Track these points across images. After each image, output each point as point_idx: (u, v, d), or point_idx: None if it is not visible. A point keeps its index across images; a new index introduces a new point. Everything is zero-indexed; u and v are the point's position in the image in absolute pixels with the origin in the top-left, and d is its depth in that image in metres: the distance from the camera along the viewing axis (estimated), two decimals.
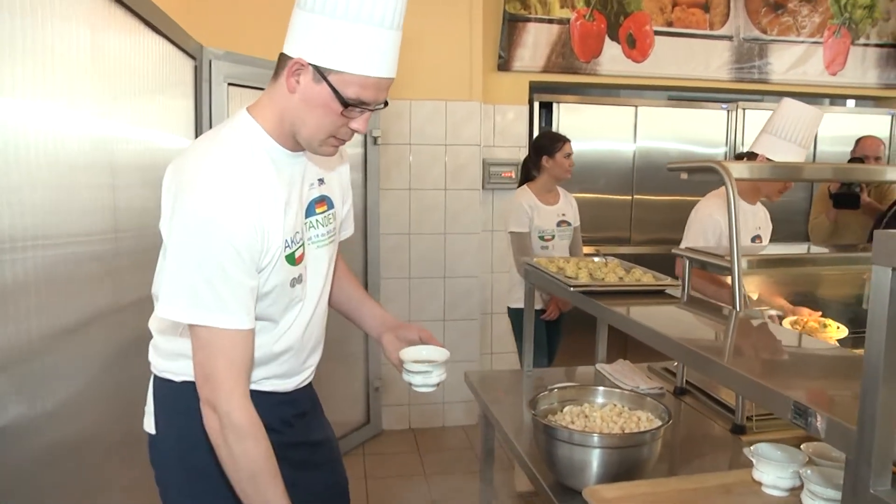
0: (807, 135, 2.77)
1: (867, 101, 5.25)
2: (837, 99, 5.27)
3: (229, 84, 3.15)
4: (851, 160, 4.32)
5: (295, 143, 1.41)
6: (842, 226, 4.24)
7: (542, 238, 3.82)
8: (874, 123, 5.11)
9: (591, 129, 4.83)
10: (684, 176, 2.47)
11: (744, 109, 4.96)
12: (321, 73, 1.30)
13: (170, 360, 1.49)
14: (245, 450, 1.31)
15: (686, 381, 2.43)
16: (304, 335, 1.54)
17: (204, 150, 1.37)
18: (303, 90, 1.32)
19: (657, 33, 4.72)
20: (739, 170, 2.20)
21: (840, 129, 5.05)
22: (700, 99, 5.00)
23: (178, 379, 1.48)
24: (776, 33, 4.85)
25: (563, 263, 2.37)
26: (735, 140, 4.97)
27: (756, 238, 2.96)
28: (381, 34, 1.30)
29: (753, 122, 4.93)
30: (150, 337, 1.54)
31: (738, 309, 2.06)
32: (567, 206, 3.93)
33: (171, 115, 2.64)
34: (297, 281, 1.45)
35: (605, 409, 1.82)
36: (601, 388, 1.89)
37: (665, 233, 4.91)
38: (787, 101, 2.82)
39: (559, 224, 3.87)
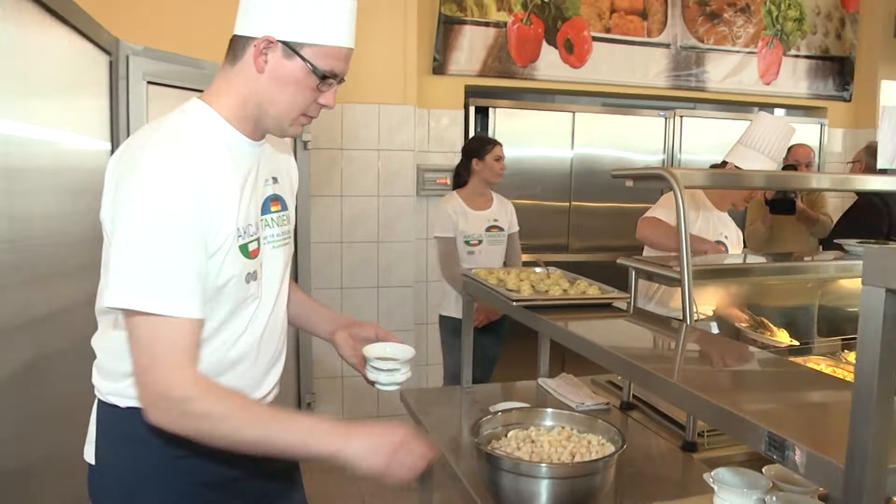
0: (778, 148, 2.83)
1: (798, 110, 5.31)
2: (770, 107, 5.32)
3: (149, 82, 2.91)
4: (785, 167, 4.34)
5: (254, 130, 1.37)
6: (777, 232, 4.25)
7: (468, 243, 3.71)
8: (805, 132, 5.17)
9: (528, 135, 4.73)
10: (629, 183, 2.37)
11: (681, 117, 4.95)
12: (292, 49, 1.28)
13: (116, 381, 1.35)
14: (225, 413, 1.20)
15: (633, 395, 2.32)
16: (261, 341, 1.43)
17: (149, 132, 1.29)
18: (273, 68, 1.29)
19: (595, 39, 4.66)
20: (688, 177, 2.11)
21: None
22: (638, 106, 4.97)
23: (123, 404, 1.34)
24: (713, 42, 4.86)
25: (504, 275, 2.24)
26: (672, 147, 4.96)
27: (719, 244, 2.93)
28: (345, 3, 1.32)
29: (691, 130, 4.94)
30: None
31: (688, 322, 1.97)
32: (501, 211, 3.84)
33: (82, 115, 2.41)
34: (252, 277, 1.36)
35: (552, 432, 1.69)
36: (548, 411, 1.75)
37: (604, 240, 4.86)
38: (762, 115, 2.92)
39: (489, 229, 3.77)
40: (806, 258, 2.70)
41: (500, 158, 3.74)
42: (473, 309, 2.52)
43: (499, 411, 1.74)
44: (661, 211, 2.93)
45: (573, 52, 4.62)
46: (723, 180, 2.43)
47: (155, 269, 1.19)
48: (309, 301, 1.76)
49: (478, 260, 3.69)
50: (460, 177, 3.83)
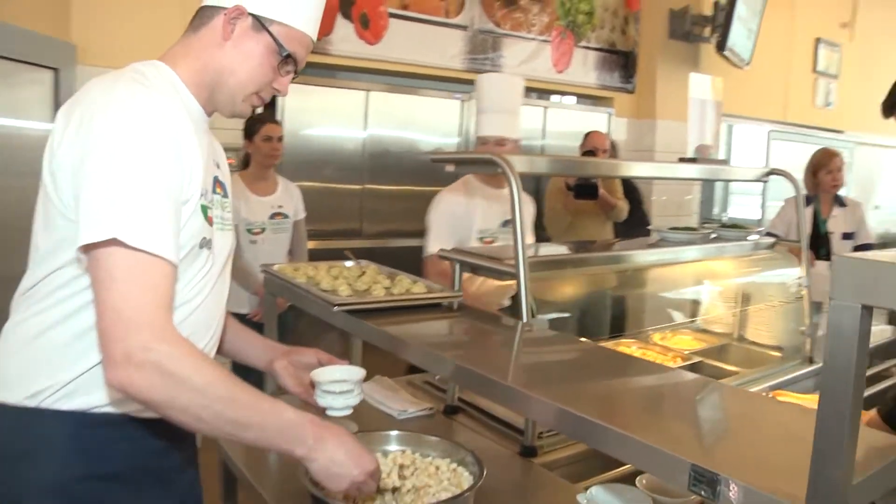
0: (511, 101, 2.80)
1: (588, 99, 5.49)
2: (564, 95, 5.44)
3: None
4: (584, 153, 4.44)
5: (207, 101, 1.33)
6: (578, 218, 4.32)
7: (250, 231, 3.42)
8: (595, 120, 5.37)
9: (319, 114, 4.41)
10: (450, 168, 2.18)
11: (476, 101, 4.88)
12: (262, 23, 1.28)
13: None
14: (206, 385, 1.08)
15: (458, 397, 2.14)
16: (206, 324, 1.34)
17: (111, 78, 1.20)
18: (239, 38, 1.29)
19: (392, 16, 4.45)
20: (521, 163, 1.95)
21: (565, 125, 5.22)
22: (434, 88, 4.83)
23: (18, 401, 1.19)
24: (509, 28, 4.84)
25: (313, 272, 1.95)
26: (468, 130, 4.88)
27: (506, 222, 2.85)
28: None
29: None
30: None
31: (524, 320, 1.81)
32: (286, 197, 3.57)
33: None
34: (206, 244, 1.27)
35: (389, 459, 1.45)
36: (381, 434, 1.51)
37: (399, 224, 4.68)
38: (483, 76, 2.89)
39: (273, 216, 3.49)
40: (616, 246, 2.69)
41: (269, 139, 3.46)
42: (276, 310, 2.20)
43: None
44: (434, 237, 2.83)
45: (369, 28, 4.36)
46: (558, 167, 2.31)
47: (138, 202, 1.09)
48: (242, 329, 1.65)
49: (260, 249, 3.41)
50: (247, 158, 3.54)
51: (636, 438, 0.94)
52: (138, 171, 1.10)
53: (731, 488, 0.85)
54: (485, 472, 1.33)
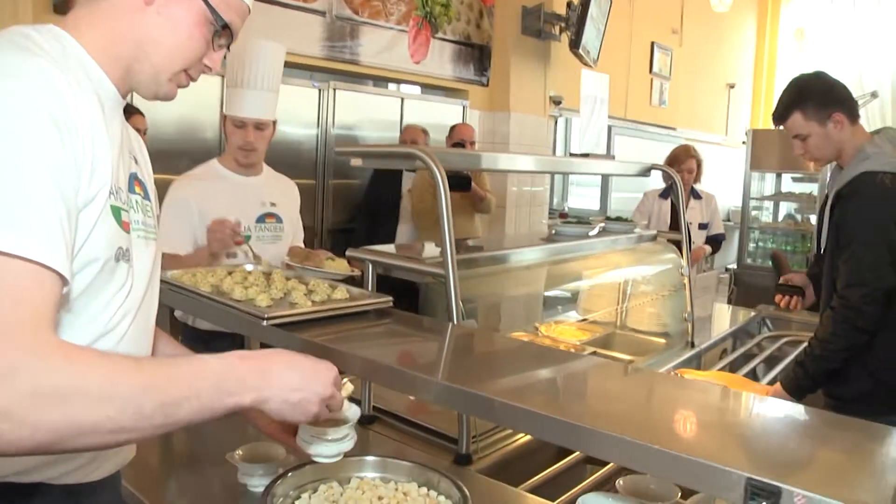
0: (275, 76, 2.49)
1: (443, 91, 5.46)
2: (419, 86, 5.37)
3: None
4: (454, 145, 4.40)
5: (122, 79, 1.09)
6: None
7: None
8: (450, 112, 5.35)
9: (171, 104, 4.04)
10: (357, 163, 2.04)
11: (335, 89, 4.70)
12: None
13: None
14: (107, 375, 0.85)
15: (373, 406, 2.01)
16: (129, 351, 1.08)
17: None
18: (165, 2, 1.07)
19: None
20: (448, 158, 1.85)
21: (421, 117, 5.16)
22: (291, 76, 4.58)
23: None
24: (367, 16, 4.69)
25: (213, 278, 1.74)
26: (327, 120, 4.68)
27: (269, 216, 2.57)
28: None
29: (345, 104, 4.72)
30: None
31: (454, 322, 1.72)
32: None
33: None
34: (123, 256, 1.05)
35: (350, 485, 1.30)
36: (346, 460, 1.35)
37: None
38: (247, 43, 2.45)
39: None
40: (510, 242, 2.66)
41: (137, 131, 3.11)
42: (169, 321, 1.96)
43: (288, 471, 1.29)
44: (164, 238, 2.51)
45: None
46: (484, 161, 2.22)
47: (11, 196, 0.85)
48: (185, 351, 1.37)
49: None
50: None
51: (686, 456, 0.87)
52: (13, 159, 0.86)
53: (797, 500, 0.80)
54: (469, 499, 1.22)
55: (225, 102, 2.52)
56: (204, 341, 2.31)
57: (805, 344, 2.31)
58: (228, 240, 2.21)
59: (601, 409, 1.15)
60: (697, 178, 4.68)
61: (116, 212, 1.02)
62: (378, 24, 4.77)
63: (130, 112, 3.29)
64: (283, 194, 2.66)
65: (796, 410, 1.18)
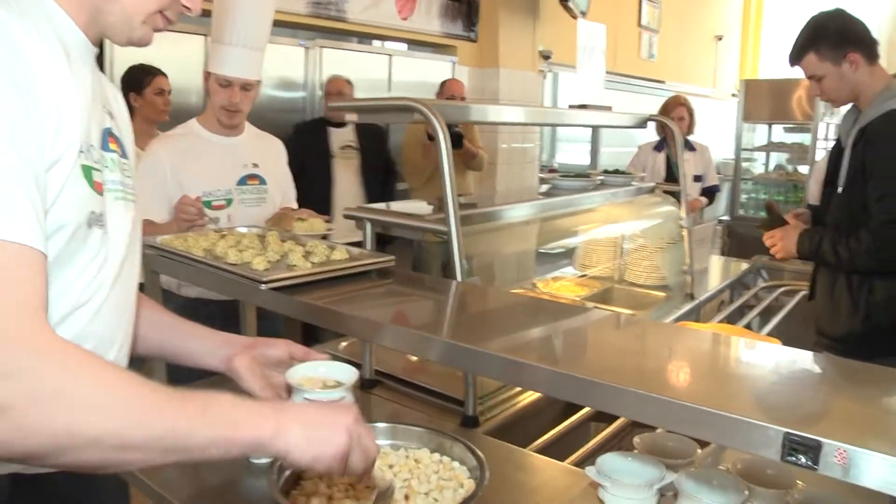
0: (262, 33, 2.37)
1: (431, 47, 5.34)
2: (407, 43, 5.25)
3: None
4: None
5: (89, 24, 0.99)
6: (437, 168, 4.19)
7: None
8: (439, 69, 5.24)
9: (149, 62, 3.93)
10: (352, 118, 1.97)
11: (321, 48, 4.58)
12: None
13: None
14: (116, 388, 0.78)
15: (374, 370, 1.97)
16: (110, 335, 1.02)
17: None
18: None
19: None
20: (446, 111, 1.78)
21: (409, 75, 5.06)
22: (276, 34, 4.45)
23: None
24: None
25: (205, 242, 1.68)
26: (314, 80, 4.57)
27: (252, 178, 2.48)
28: None
29: (332, 63, 4.60)
30: None
31: (459, 279, 1.67)
32: None
33: None
34: (96, 221, 0.95)
35: None
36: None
37: None
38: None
39: None
40: (509, 198, 2.60)
41: (162, 92, 3.25)
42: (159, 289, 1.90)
43: None
44: (165, 144, 2.42)
45: None
46: (485, 113, 2.15)
47: None
48: (180, 321, 1.29)
49: None
50: None
51: (721, 413, 0.84)
52: None
53: (837, 455, 0.77)
54: (485, 472, 1.18)
55: (209, 59, 2.40)
56: (191, 309, 2.25)
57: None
58: (196, 218, 2.12)
59: (619, 365, 1.11)
60: (691, 130, 4.62)
61: (87, 172, 0.93)
62: None
63: (153, 73, 3.29)
64: (267, 153, 2.57)
65: (811, 358, 1.15)
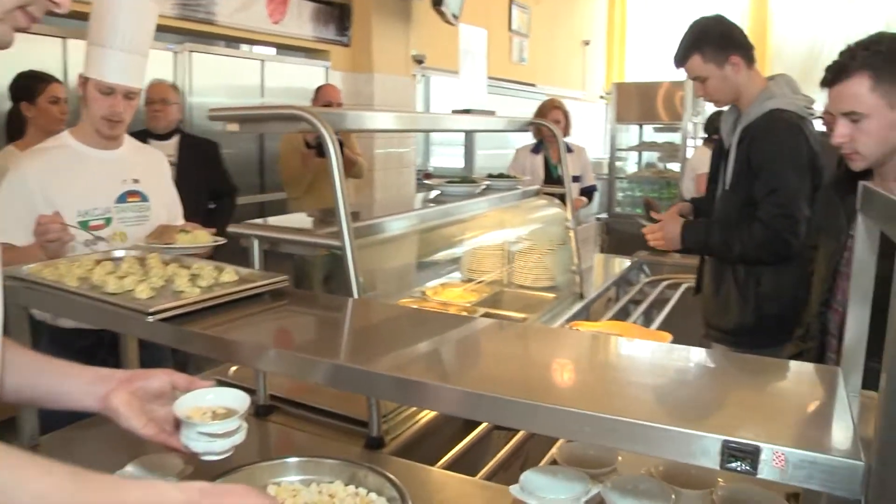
0: (146, 38, 2.19)
1: (304, 52, 5.21)
2: (279, 48, 5.09)
3: None
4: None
5: None
6: (319, 177, 4.07)
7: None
8: (312, 74, 5.11)
9: (8, 68, 3.61)
10: (233, 128, 1.85)
11: (191, 52, 4.36)
12: None
13: None
14: None
15: (269, 395, 1.86)
16: None
17: None
18: None
19: None
20: (334, 119, 1.70)
21: (282, 81, 4.92)
22: None
23: None
24: None
25: (78, 269, 1.51)
26: (185, 86, 4.33)
27: (132, 193, 2.30)
28: None
29: (203, 68, 4.39)
30: None
31: (355, 295, 1.60)
32: None
33: None
34: None
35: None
36: (259, 465, 1.21)
37: None
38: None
39: None
40: (394, 207, 2.55)
41: (57, 100, 3.06)
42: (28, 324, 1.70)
43: None
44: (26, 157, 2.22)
45: None
46: (374, 120, 2.07)
47: None
48: (43, 361, 1.16)
49: None
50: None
51: (657, 426, 0.81)
52: None
53: (776, 457, 0.76)
54: (406, 494, 1.11)
55: (87, 63, 2.15)
56: (67, 343, 2.05)
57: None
58: (62, 235, 1.91)
59: (537, 379, 1.07)
60: (567, 132, 4.72)
61: None
62: None
63: (46, 80, 3.06)
64: (149, 168, 2.37)
65: (717, 357, 1.16)
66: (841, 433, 0.82)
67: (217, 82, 4.54)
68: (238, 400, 1.09)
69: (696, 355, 1.14)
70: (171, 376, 1.15)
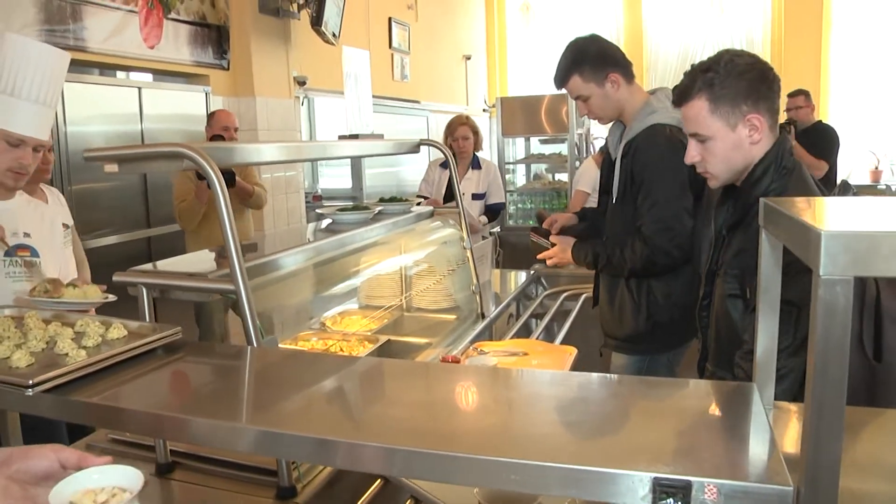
0: (52, 88, 2.10)
1: (182, 77, 5.01)
2: (155, 73, 4.87)
3: None
4: (214, 136, 4.05)
5: None
6: (213, 208, 3.93)
7: None
8: (192, 100, 4.94)
9: None
10: (112, 169, 1.73)
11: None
12: None
13: None
14: None
15: (170, 450, 1.74)
16: None
17: None
18: None
19: None
20: (219, 154, 1.61)
21: (163, 107, 4.72)
22: None
23: None
24: None
25: None
26: (58, 117, 4.05)
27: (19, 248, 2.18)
28: None
29: (74, 97, 4.14)
30: None
31: (254, 344, 1.53)
32: None
33: None
34: None
35: None
36: None
37: None
38: (17, 39, 2.10)
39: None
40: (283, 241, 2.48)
41: None
42: None
43: None
44: None
45: None
46: (259, 153, 1.98)
47: None
48: None
49: None
50: None
51: (581, 468, 0.80)
52: None
53: (708, 491, 0.77)
54: None
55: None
56: None
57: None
58: None
59: (449, 425, 1.05)
60: (478, 147, 4.74)
61: None
62: (103, 3, 4.22)
63: None
64: (42, 219, 2.27)
65: (631, 383, 1.17)
66: (766, 458, 0.83)
67: (92, 112, 4.29)
68: (130, 478, 0.98)
69: (607, 383, 1.14)
70: (58, 453, 1.02)
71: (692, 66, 1.73)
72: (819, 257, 0.68)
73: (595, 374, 1.18)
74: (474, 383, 1.23)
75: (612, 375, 1.21)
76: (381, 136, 2.89)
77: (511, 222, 7.45)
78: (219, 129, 4.08)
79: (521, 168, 8.04)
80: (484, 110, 9.23)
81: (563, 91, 2.46)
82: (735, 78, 1.65)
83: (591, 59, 2.36)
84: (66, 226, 2.48)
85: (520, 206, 7.60)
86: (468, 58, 9.51)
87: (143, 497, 0.98)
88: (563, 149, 7.35)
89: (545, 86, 8.15)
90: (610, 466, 0.80)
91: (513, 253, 6.56)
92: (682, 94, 1.70)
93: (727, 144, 1.67)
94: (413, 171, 7.18)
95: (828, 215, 0.87)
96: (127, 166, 1.74)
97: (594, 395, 1.11)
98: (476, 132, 4.71)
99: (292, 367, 1.45)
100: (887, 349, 1.48)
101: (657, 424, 0.99)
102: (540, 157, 7.75)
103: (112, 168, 1.71)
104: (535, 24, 10.02)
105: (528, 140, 7.86)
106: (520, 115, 7.20)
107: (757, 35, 9.04)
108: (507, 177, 7.66)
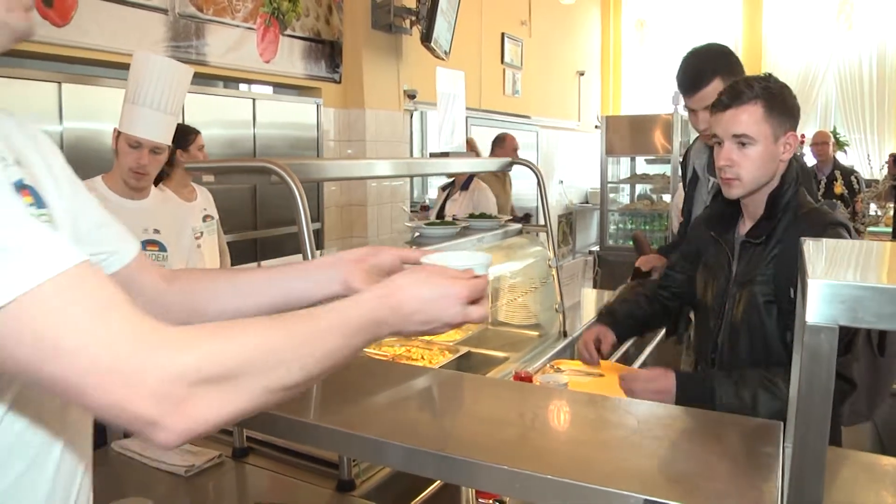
0: (178, 99, 2.39)
1: (295, 89, 5.29)
2: (270, 86, 5.18)
3: None
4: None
5: None
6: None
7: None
8: (304, 111, 5.21)
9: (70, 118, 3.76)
10: (209, 178, 1.91)
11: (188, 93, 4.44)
12: None
13: None
14: (254, 337, 0.76)
15: (246, 437, 1.89)
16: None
17: None
18: None
19: None
20: (303, 169, 1.75)
21: (276, 117, 5.01)
22: None
23: None
24: (212, 13, 4.45)
25: None
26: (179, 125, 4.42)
27: (149, 243, 2.45)
28: None
29: (195, 107, 4.46)
30: None
31: None
32: None
33: None
34: None
35: None
36: None
37: None
38: (147, 57, 2.36)
39: None
40: None
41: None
42: None
43: None
44: None
45: (53, 6, 3.72)
46: (339, 169, 2.13)
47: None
48: (270, 269, 1.17)
49: None
50: None
51: (577, 483, 0.85)
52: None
53: None
54: None
55: (122, 119, 2.35)
56: None
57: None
58: None
59: (483, 436, 1.11)
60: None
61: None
62: (224, 21, 4.54)
63: (187, 132, 3.19)
64: (174, 218, 2.54)
65: (678, 414, 1.20)
66: (761, 494, 0.85)
67: (209, 119, 4.59)
68: (479, 260, 1.06)
69: (650, 411, 1.17)
70: (399, 252, 1.17)
71: (746, 76, 1.78)
72: (806, 304, 0.71)
73: (637, 402, 1.22)
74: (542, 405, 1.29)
75: (659, 405, 1.24)
76: (471, 154, 2.97)
77: (611, 242, 7.38)
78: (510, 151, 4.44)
79: (627, 188, 7.95)
80: (596, 127, 9.20)
81: (672, 109, 2.39)
82: (788, 95, 1.72)
83: (731, 64, 2.20)
84: (210, 217, 2.88)
85: (620, 226, 7.51)
86: (581, 74, 9.50)
87: (218, 476, 1.10)
88: (667, 169, 7.24)
89: (658, 103, 8.02)
90: (606, 486, 0.85)
91: (611, 272, 6.50)
92: (737, 96, 1.71)
93: (767, 153, 1.70)
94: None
95: (824, 263, 0.88)
96: (222, 178, 1.91)
97: (631, 419, 1.15)
98: (476, 153, 4.75)
99: (359, 374, 1.55)
100: (890, 344, 1.63)
101: (669, 452, 1.02)
102: (643, 178, 7.64)
103: (209, 178, 1.90)
104: (649, 41, 9.89)
105: (633, 160, 7.77)
106: (626, 133, 7.12)
107: (890, 52, 8.55)
108: (611, 196, 7.60)
